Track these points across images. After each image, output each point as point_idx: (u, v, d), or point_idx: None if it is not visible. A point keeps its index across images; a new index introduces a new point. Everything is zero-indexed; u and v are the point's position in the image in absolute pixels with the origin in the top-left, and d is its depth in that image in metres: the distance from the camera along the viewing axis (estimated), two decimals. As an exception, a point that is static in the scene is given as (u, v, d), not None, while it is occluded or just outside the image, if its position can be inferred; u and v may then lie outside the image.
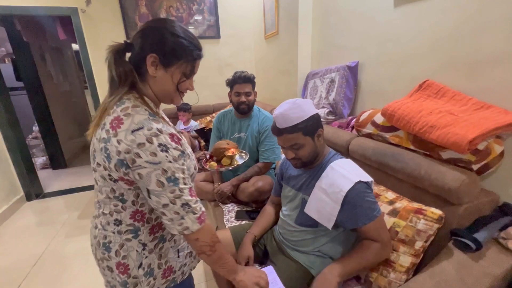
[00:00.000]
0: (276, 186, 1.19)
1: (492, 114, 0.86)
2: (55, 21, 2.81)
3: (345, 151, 1.38)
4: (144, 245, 0.69)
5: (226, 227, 1.32)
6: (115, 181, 0.62)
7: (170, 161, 0.58)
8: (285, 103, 0.91)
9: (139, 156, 0.56)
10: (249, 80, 1.58)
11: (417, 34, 1.18)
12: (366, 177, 0.87)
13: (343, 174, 0.87)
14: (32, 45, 3.07)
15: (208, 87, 3.00)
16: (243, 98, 1.58)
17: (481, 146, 0.84)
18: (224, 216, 1.47)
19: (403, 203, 0.95)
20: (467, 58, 0.99)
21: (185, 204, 0.61)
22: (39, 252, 1.84)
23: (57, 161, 3.46)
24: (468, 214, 0.86)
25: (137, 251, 0.68)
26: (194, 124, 2.72)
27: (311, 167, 0.97)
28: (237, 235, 1.13)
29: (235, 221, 1.42)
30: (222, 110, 1.85)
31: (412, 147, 1.06)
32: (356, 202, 0.83)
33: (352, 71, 1.53)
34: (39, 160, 3.56)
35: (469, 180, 0.83)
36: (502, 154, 0.86)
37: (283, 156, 1.12)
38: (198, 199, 0.65)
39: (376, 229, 0.84)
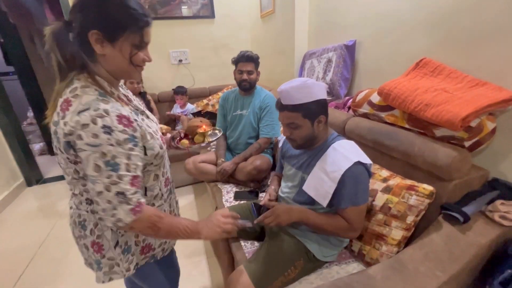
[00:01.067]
0: (280, 164, 1.22)
1: (486, 91, 0.86)
2: (41, 1, 2.69)
3: (341, 131, 1.39)
4: None
5: (225, 207, 1.36)
6: (75, 162, 0.59)
7: (111, 144, 0.54)
8: (295, 80, 0.89)
9: (81, 138, 0.53)
10: (251, 59, 1.65)
11: (415, 10, 1.16)
12: (366, 159, 0.88)
13: (343, 154, 0.88)
14: (20, 28, 2.95)
15: (203, 69, 2.95)
16: (245, 76, 1.66)
17: (473, 123, 0.86)
18: (223, 197, 1.51)
19: (396, 180, 0.98)
20: (465, 33, 0.98)
21: (120, 193, 0.57)
22: (43, 235, 1.89)
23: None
24: (458, 189, 0.90)
25: (111, 229, 0.67)
26: (191, 107, 2.70)
27: (312, 148, 0.98)
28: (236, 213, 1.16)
29: (233, 201, 1.46)
30: (227, 90, 1.95)
31: (407, 126, 1.07)
32: (348, 182, 0.85)
33: (350, 50, 1.50)
34: (36, 146, 3.54)
35: (460, 157, 0.85)
36: (494, 130, 0.88)
37: (283, 136, 1.13)
38: (139, 190, 0.61)
39: (353, 214, 0.86)
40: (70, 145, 0.56)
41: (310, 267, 0.95)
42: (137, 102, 0.77)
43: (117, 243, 0.69)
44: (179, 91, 2.62)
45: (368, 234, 0.97)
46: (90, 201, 0.66)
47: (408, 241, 0.94)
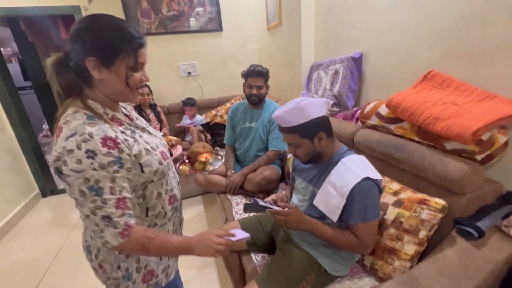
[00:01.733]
0: (292, 177, 1.24)
1: (496, 105, 0.86)
2: (57, 21, 2.82)
3: (350, 143, 1.40)
4: None
5: (235, 219, 1.37)
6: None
7: (95, 169, 0.54)
8: (289, 103, 0.92)
9: (66, 164, 0.54)
10: (261, 74, 1.66)
11: (421, 22, 1.17)
12: (376, 175, 0.88)
13: (352, 169, 0.88)
14: (37, 45, 3.11)
15: (212, 81, 3.01)
16: (254, 91, 1.67)
17: (484, 137, 0.85)
18: (233, 209, 1.52)
19: (407, 194, 0.98)
20: (472, 47, 0.98)
21: (106, 217, 0.57)
22: (58, 245, 1.94)
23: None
24: (471, 204, 0.89)
25: (114, 253, 0.68)
26: (200, 118, 2.75)
27: (322, 162, 0.99)
28: (246, 226, 1.18)
29: (243, 213, 1.47)
30: (237, 102, 1.95)
31: (416, 139, 1.07)
32: (357, 198, 0.85)
33: (356, 62, 1.52)
34: (51, 157, 3.66)
35: (472, 171, 0.85)
36: (506, 144, 0.87)
37: None
38: (127, 212, 0.60)
39: (363, 231, 0.86)
40: (58, 171, 0.56)
41: (322, 282, 0.95)
42: (141, 120, 0.78)
43: (119, 267, 0.69)
44: (188, 102, 2.68)
45: (380, 248, 0.96)
46: None
47: (421, 256, 0.93)
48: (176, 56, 2.82)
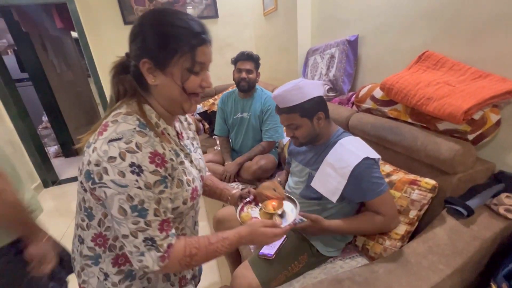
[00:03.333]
0: (288, 161, 1.25)
1: (489, 83, 0.85)
2: (51, 10, 2.78)
3: (345, 127, 1.39)
4: (106, 275, 0.60)
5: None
6: (85, 190, 0.54)
7: (140, 187, 0.47)
8: (288, 84, 0.92)
9: (106, 173, 0.47)
10: (251, 58, 1.61)
11: (416, 1, 1.14)
12: (374, 154, 0.90)
13: (351, 150, 0.89)
14: (32, 35, 3.07)
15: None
16: (243, 75, 1.61)
17: (476, 116, 0.85)
18: (229, 195, 1.54)
19: (399, 175, 0.98)
20: (467, 24, 0.96)
21: (149, 239, 0.51)
22: (60, 233, 1.98)
23: (69, 149, 3.58)
24: (462, 183, 0.89)
25: (98, 278, 0.60)
26: (198, 107, 2.74)
27: (318, 144, 1.00)
28: None
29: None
30: (226, 91, 1.87)
31: (410, 120, 1.07)
32: (363, 177, 0.86)
33: (352, 46, 1.49)
34: (52, 149, 3.69)
35: (464, 150, 0.84)
36: (498, 123, 0.87)
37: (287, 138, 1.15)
38: (170, 232, 0.54)
39: (382, 204, 0.87)
40: (90, 176, 0.49)
41: (314, 262, 0.97)
42: (190, 141, 0.71)
43: None
44: (185, 91, 2.67)
45: (372, 229, 0.97)
46: (81, 240, 0.60)
47: (412, 236, 0.94)
48: (172, 44, 2.78)
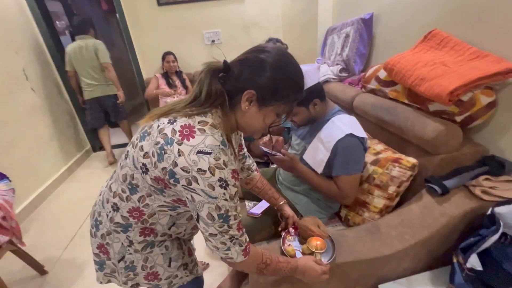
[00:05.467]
0: (290, 136, 1.36)
1: (483, 64, 0.83)
2: (97, -8, 3.08)
3: (350, 108, 1.42)
4: (131, 242, 0.66)
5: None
6: (145, 172, 0.56)
7: (226, 199, 0.54)
8: None
9: (196, 182, 0.51)
10: None
11: (432, -23, 1.09)
12: (360, 133, 0.95)
13: (339, 126, 0.96)
14: (85, 17, 3.44)
15: (235, 49, 3.03)
16: None
17: (465, 97, 0.84)
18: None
19: (387, 154, 1.02)
20: (475, 3, 0.91)
21: (233, 237, 0.58)
22: (103, 189, 2.37)
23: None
24: (445, 164, 0.91)
25: (122, 244, 0.67)
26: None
27: (315, 122, 1.08)
28: None
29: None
30: None
31: (406, 101, 1.07)
32: (340, 152, 0.94)
33: (367, 24, 1.46)
34: (100, 120, 4.21)
35: (447, 132, 0.86)
36: (490, 105, 0.85)
37: None
38: (244, 231, 0.62)
39: (343, 182, 0.95)
40: (175, 177, 0.52)
41: (297, 225, 1.09)
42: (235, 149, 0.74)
43: (123, 257, 0.68)
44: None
45: (353, 201, 1.05)
46: (116, 208, 0.64)
47: (393, 211, 1.00)
48: (201, 24, 2.91)
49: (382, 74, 1.20)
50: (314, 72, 0.99)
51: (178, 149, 0.51)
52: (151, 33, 2.84)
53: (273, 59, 0.55)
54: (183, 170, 0.51)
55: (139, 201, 0.61)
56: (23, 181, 2.05)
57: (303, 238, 0.88)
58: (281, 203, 0.96)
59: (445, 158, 0.89)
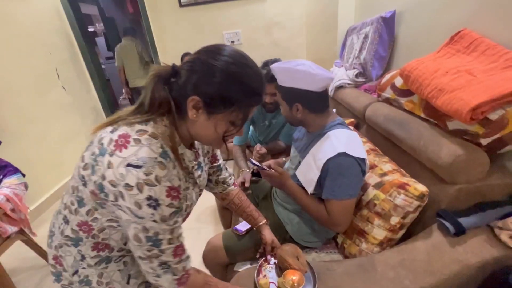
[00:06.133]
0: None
1: (521, 74, 0.65)
2: (126, -3, 3.23)
3: (362, 118, 1.27)
4: (83, 257, 0.61)
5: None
6: (84, 185, 0.51)
7: (155, 221, 0.48)
8: (290, 61, 0.87)
9: (123, 198, 0.46)
10: (272, 79, 1.29)
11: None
12: (357, 153, 0.80)
13: (333, 143, 0.83)
14: (116, 20, 3.66)
15: (255, 49, 2.99)
16: (267, 99, 1.33)
17: (493, 116, 0.67)
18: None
19: (393, 177, 0.87)
20: (518, -6, 0.72)
21: (164, 263, 0.52)
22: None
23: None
24: (464, 196, 0.74)
25: (74, 257, 0.61)
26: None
27: (311, 131, 0.96)
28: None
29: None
30: None
31: (423, 115, 0.91)
32: (331, 172, 0.81)
33: (387, 24, 1.29)
34: (129, 116, 4.47)
35: (467, 157, 0.69)
36: (529, 127, 0.66)
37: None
38: (184, 256, 0.55)
39: (335, 208, 0.82)
40: (104, 191, 0.48)
41: (286, 248, 0.98)
42: (202, 158, 0.70)
43: (76, 271, 0.63)
44: (229, 71, 2.79)
45: (351, 228, 0.91)
46: (66, 221, 0.59)
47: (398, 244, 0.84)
48: (222, 24, 2.89)
49: (399, 82, 1.04)
50: (318, 80, 0.83)
51: (108, 161, 0.47)
52: (172, 34, 2.89)
53: (224, 62, 0.49)
54: (111, 184, 0.46)
55: (87, 215, 0.56)
56: (48, 173, 2.21)
57: (280, 269, 0.78)
58: (261, 223, 0.86)
59: (464, 189, 0.72)
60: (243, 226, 1.00)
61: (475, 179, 0.72)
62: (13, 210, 1.31)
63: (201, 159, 0.68)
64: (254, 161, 0.99)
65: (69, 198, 0.58)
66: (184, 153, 0.58)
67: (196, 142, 0.66)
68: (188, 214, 0.65)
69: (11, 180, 1.34)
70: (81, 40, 2.78)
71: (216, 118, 0.52)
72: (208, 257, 0.99)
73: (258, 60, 2.63)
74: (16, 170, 1.40)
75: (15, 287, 1.26)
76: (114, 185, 0.46)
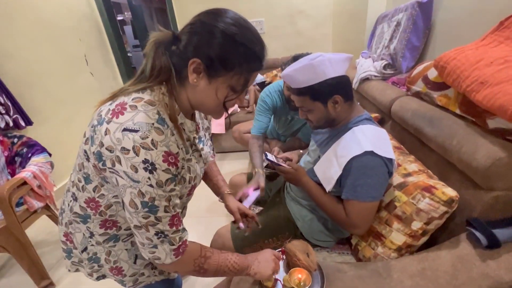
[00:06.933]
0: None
1: None
2: (155, -16, 3.26)
3: (388, 112, 1.17)
4: (92, 234, 0.62)
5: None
6: (87, 159, 0.52)
7: (151, 185, 0.47)
8: (300, 60, 0.81)
9: (119, 163, 0.46)
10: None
11: None
12: (385, 152, 0.73)
13: (359, 140, 0.76)
14: (144, 8, 3.73)
15: (278, 39, 2.91)
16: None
17: (547, 114, 0.57)
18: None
19: (418, 178, 0.79)
20: None
21: (160, 233, 0.51)
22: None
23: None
24: (501, 205, 0.65)
25: (84, 234, 0.63)
26: (260, 78, 2.78)
27: (335, 127, 0.89)
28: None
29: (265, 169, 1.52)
30: (271, 86, 1.50)
31: (458, 112, 0.81)
32: (354, 172, 0.74)
33: (424, 9, 1.16)
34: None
35: (509, 160, 0.60)
36: None
37: None
38: (181, 227, 0.54)
39: (355, 209, 0.76)
40: (102, 158, 0.48)
41: (296, 244, 0.94)
42: (204, 133, 0.70)
43: (86, 249, 0.65)
44: (250, 61, 2.74)
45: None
46: (74, 198, 0.60)
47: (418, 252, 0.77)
48: (245, 13, 2.76)
49: (432, 74, 0.93)
50: (341, 62, 0.79)
51: (106, 128, 0.47)
52: (196, 23, 2.89)
53: (226, 24, 0.48)
54: (108, 150, 0.46)
55: (94, 191, 0.56)
56: (75, 154, 2.34)
57: (288, 265, 0.75)
58: (225, 192, 0.85)
59: (503, 196, 0.63)
60: (246, 203, 0.98)
61: (517, 186, 0.63)
62: (39, 187, 1.39)
63: (201, 133, 0.68)
64: (269, 156, 0.95)
65: (76, 175, 0.58)
66: (184, 123, 0.57)
67: (197, 116, 0.66)
68: (193, 187, 0.64)
69: (39, 159, 1.42)
70: (109, 28, 2.86)
71: (217, 82, 0.51)
72: (215, 248, 0.97)
73: (282, 50, 2.60)
74: (43, 150, 1.48)
75: (39, 258, 1.34)
76: (111, 150, 0.46)
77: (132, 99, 0.49)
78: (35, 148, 1.45)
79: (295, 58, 1.22)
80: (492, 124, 0.68)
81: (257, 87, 2.72)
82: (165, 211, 0.51)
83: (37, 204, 1.40)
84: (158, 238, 0.51)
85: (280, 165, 0.91)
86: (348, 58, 0.81)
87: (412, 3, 1.21)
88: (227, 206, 0.87)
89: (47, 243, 1.66)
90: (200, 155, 0.65)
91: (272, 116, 1.55)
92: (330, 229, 0.93)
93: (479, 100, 0.67)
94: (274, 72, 2.82)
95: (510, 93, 0.59)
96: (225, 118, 2.50)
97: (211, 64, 0.49)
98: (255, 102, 2.73)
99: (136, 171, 0.46)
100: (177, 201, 0.54)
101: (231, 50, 0.49)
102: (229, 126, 2.48)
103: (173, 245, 0.53)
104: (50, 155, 1.51)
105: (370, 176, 0.73)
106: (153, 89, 0.52)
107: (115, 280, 0.71)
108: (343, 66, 0.80)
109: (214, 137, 2.58)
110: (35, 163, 1.40)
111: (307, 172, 0.96)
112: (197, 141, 0.63)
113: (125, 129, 0.45)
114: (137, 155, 0.45)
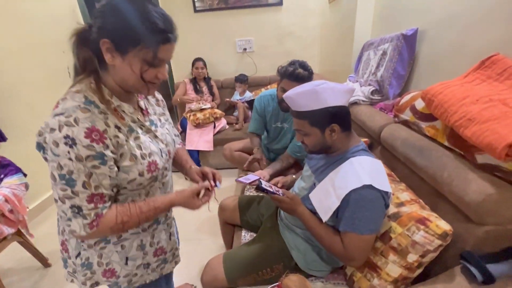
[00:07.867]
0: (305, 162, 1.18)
1: None
2: None
3: (377, 138, 1.21)
4: None
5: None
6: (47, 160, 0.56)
7: (70, 159, 0.50)
8: (305, 85, 0.82)
9: (45, 142, 0.52)
10: (301, 79, 1.24)
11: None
12: (383, 186, 0.74)
13: (357, 172, 0.76)
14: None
15: (267, 57, 2.97)
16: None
17: (532, 154, 0.60)
18: (247, 186, 1.57)
19: (412, 208, 0.80)
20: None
21: (75, 207, 0.54)
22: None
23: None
24: (493, 239, 0.66)
25: (76, 239, 0.66)
26: (249, 95, 2.80)
27: (332, 154, 0.89)
28: (243, 202, 1.22)
29: (254, 191, 1.50)
30: (265, 92, 1.60)
31: (446, 144, 0.84)
32: (353, 204, 0.74)
33: (408, 41, 1.23)
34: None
35: (499, 197, 0.62)
36: None
37: None
38: (100, 205, 0.57)
39: (353, 242, 0.75)
40: (41, 146, 0.54)
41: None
42: (158, 116, 0.74)
43: (79, 254, 0.67)
44: (239, 79, 2.75)
45: (362, 260, 0.84)
46: (64, 202, 0.62)
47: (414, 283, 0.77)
48: (235, 31, 2.88)
49: (420, 105, 0.98)
50: (343, 93, 0.79)
51: (44, 123, 0.53)
52: (186, 39, 2.89)
53: (123, 1, 0.52)
54: (39, 135, 0.53)
55: None
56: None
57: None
58: (188, 167, 0.86)
59: (494, 231, 0.65)
60: (246, 179, 0.94)
61: (507, 221, 0.65)
62: (11, 211, 1.28)
63: (153, 117, 0.72)
64: (263, 184, 0.90)
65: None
66: (120, 105, 0.61)
67: (142, 102, 0.70)
68: (151, 163, 0.64)
69: (12, 180, 1.32)
70: (95, 40, 2.80)
71: (128, 57, 0.54)
72: (207, 280, 0.92)
73: (270, 68, 2.63)
74: (17, 170, 1.38)
75: (5, 290, 1.22)
76: (40, 134, 0.53)
77: (65, 94, 0.56)
78: (8, 168, 1.35)
79: (291, 63, 1.29)
80: (481, 159, 0.71)
81: (246, 104, 2.74)
82: (84, 187, 0.53)
83: (7, 230, 1.28)
84: (72, 212, 0.55)
85: (275, 194, 0.90)
86: (350, 90, 0.82)
87: (397, 35, 1.29)
88: (193, 180, 0.86)
89: (17, 271, 1.51)
90: (156, 136, 0.68)
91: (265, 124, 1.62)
92: (324, 258, 0.91)
93: (468, 136, 0.70)
94: (263, 89, 2.85)
95: (498, 132, 0.62)
96: (213, 135, 2.48)
97: (119, 41, 0.52)
98: (245, 119, 2.74)
99: (57, 145, 0.50)
100: (105, 181, 0.56)
101: (131, 24, 0.51)
102: (217, 143, 2.46)
103: (86, 219, 0.55)
104: (25, 175, 1.41)
105: (368, 209, 0.73)
106: (82, 82, 0.57)
107: (109, 285, 0.72)
108: (345, 97, 0.81)
109: (202, 154, 2.54)
110: (8, 185, 1.29)
111: (301, 199, 0.95)
112: (147, 123, 0.68)
113: (54, 115, 0.52)
114: (60, 131, 0.50)
